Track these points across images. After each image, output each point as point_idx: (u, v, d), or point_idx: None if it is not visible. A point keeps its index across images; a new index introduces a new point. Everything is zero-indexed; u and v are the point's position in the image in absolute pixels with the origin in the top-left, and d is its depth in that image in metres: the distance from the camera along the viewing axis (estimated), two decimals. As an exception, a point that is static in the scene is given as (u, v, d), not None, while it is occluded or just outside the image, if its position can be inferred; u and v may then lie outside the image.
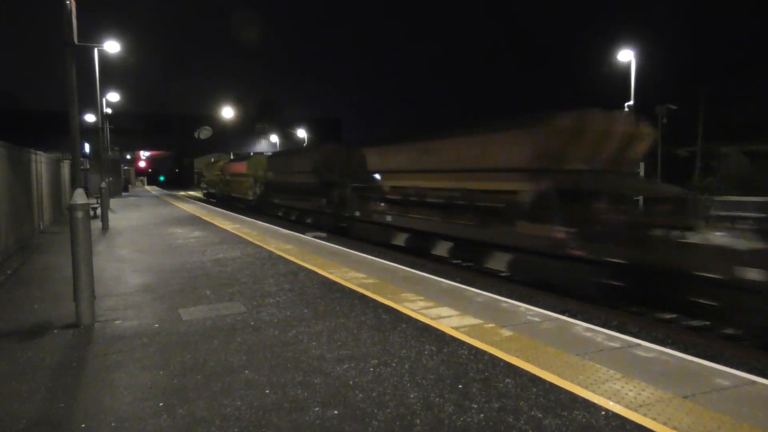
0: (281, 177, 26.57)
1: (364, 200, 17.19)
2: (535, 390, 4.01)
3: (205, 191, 50.58)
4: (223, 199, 40.48)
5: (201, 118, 60.52)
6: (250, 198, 31.94)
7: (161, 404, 3.82)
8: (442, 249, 13.36)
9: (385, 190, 15.90)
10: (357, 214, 17.28)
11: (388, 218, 15.34)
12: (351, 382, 4.18)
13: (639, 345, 4.98)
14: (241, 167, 34.69)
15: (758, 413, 3.57)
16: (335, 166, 20.22)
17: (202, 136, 59.06)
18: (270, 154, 32.48)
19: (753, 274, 6.93)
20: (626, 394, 3.90)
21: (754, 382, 4.11)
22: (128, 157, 71.64)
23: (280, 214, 26.35)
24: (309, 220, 22.42)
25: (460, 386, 4.09)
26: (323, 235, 17.76)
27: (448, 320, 5.84)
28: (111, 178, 32.75)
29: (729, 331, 7.58)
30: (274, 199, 27.33)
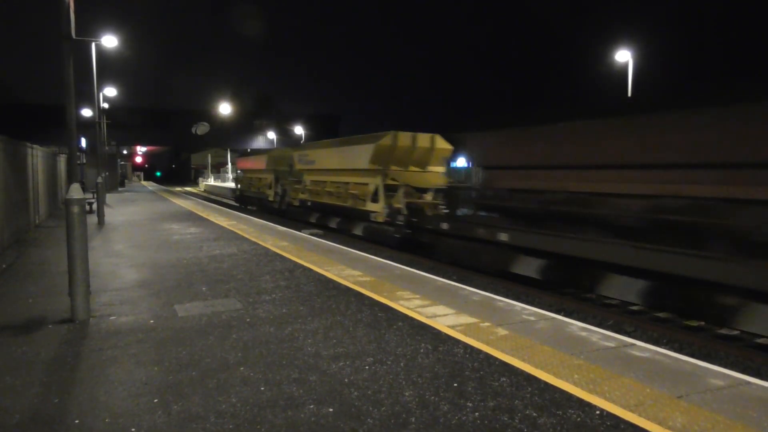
0: (543, 181, 9.75)
1: None
2: (530, 389, 4.01)
3: (239, 194, 32.98)
4: (288, 212, 22.83)
5: (198, 113, 60.33)
6: (379, 218, 15.30)
7: (156, 400, 3.82)
8: None
9: None
10: None
11: None
12: (346, 380, 4.18)
13: (634, 345, 4.99)
14: (351, 156, 17.10)
15: (752, 413, 3.59)
16: None
17: (199, 132, 58.81)
18: (482, 124, 11.49)
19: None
20: (621, 393, 3.90)
21: (749, 382, 4.13)
22: (125, 152, 71.43)
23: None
24: None
25: (455, 385, 4.09)
26: (320, 232, 17.73)
27: (443, 319, 5.85)
28: (107, 173, 32.70)
29: (723, 331, 7.61)
30: (519, 239, 9.92)
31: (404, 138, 15.85)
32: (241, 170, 33.47)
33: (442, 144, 16.12)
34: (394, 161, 15.74)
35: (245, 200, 31.24)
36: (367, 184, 16.29)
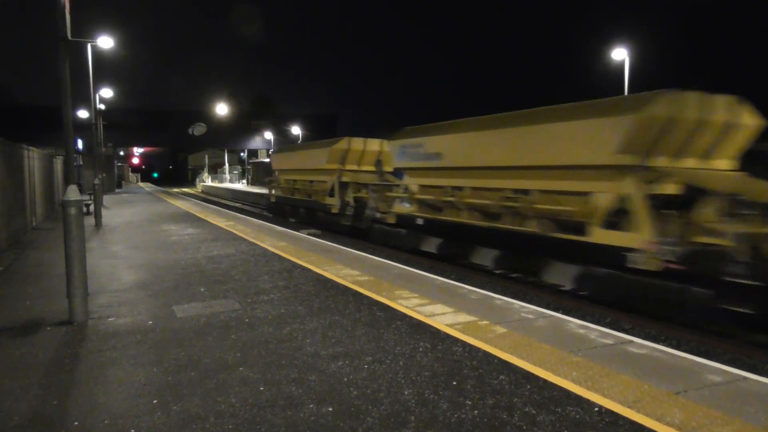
0: None
1: None
2: (528, 386, 4.02)
3: (275, 202, 24.78)
4: (374, 233, 15.43)
5: (195, 114, 60.21)
6: (650, 265, 7.44)
7: (155, 401, 3.82)
8: None
9: None
10: None
11: None
12: (345, 379, 4.18)
13: (632, 342, 5.01)
14: (553, 141, 9.12)
15: (749, 409, 3.60)
16: None
17: (196, 133, 58.69)
18: None
19: None
20: (619, 390, 3.92)
21: (746, 378, 4.15)
22: (122, 153, 71.30)
23: None
24: None
25: (454, 383, 4.10)
26: (318, 232, 17.72)
27: (442, 317, 5.85)
28: (104, 175, 32.64)
29: (721, 328, 7.63)
30: None
31: (689, 104, 8.24)
32: (276, 171, 25.11)
33: (747, 117, 8.64)
34: (660, 148, 8.24)
35: (284, 211, 23.19)
36: (588, 194, 8.77)
